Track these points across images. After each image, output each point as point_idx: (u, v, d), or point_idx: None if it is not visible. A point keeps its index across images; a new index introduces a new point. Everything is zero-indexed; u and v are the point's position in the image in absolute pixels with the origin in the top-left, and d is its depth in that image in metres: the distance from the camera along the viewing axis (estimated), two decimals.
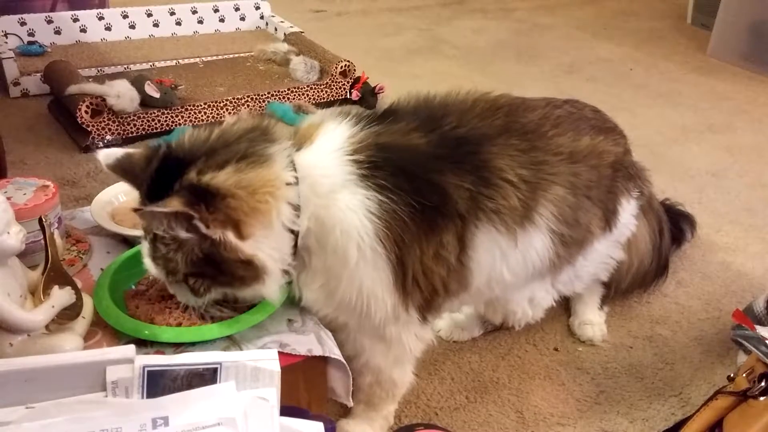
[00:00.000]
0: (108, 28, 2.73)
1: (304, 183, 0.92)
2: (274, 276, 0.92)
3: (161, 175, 0.89)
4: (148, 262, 0.94)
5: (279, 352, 0.89)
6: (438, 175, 0.97)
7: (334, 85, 2.38)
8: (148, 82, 2.12)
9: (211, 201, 0.85)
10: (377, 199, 0.92)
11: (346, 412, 1.16)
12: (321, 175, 0.93)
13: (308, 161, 0.94)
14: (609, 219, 1.20)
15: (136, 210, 0.87)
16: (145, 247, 0.93)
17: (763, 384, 1.02)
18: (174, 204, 0.84)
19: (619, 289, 1.44)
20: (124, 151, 0.96)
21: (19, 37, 2.58)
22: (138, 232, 1.14)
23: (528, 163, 1.05)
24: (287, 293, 1.01)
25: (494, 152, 1.03)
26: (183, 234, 0.86)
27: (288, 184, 0.91)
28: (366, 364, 1.08)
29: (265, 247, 0.90)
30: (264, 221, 0.89)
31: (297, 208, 0.91)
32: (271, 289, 0.94)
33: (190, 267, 0.90)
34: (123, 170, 0.94)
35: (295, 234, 0.93)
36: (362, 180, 0.93)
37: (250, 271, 0.90)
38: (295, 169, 0.92)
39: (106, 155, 0.94)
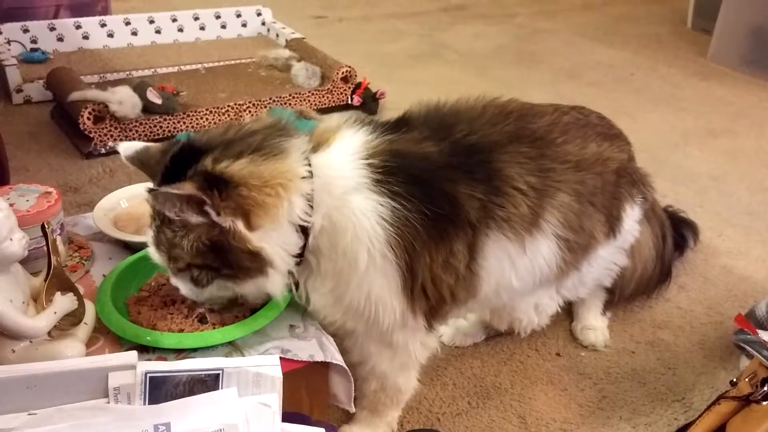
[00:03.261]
0: (110, 35, 2.74)
1: (319, 182, 0.92)
2: (280, 271, 0.92)
3: (176, 163, 0.90)
4: (152, 250, 0.94)
5: (281, 358, 0.89)
6: (450, 184, 0.97)
7: (335, 91, 2.38)
8: (150, 88, 2.13)
9: (223, 188, 0.86)
10: (390, 205, 0.92)
11: (348, 417, 1.16)
12: (336, 176, 0.93)
13: (324, 162, 0.94)
14: (613, 225, 1.20)
15: (150, 190, 0.86)
16: (150, 235, 0.93)
17: (765, 388, 1.02)
18: (187, 187, 0.84)
19: (622, 295, 1.43)
20: (143, 144, 0.97)
21: (21, 44, 2.58)
22: (140, 238, 1.15)
23: (536, 170, 1.05)
24: (290, 297, 1.01)
25: (505, 160, 1.03)
26: (194, 219, 0.87)
27: (302, 178, 0.91)
28: (372, 370, 1.08)
29: (274, 240, 0.90)
30: (274, 214, 0.89)
31: (311, 200, 0.91)
32: (276, 284, 0.93)
33: (196, 255, 0.89)
34: (140, 162, 0.96)
35: (306, 232, 0.92)
36: (376, 185, 0.93)
37: (256, 263, 0.90)
38: (309, 164, 0.93)
39: (126, 147, 0.96)
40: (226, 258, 0.89)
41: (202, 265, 0.91)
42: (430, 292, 0.99)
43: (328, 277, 0.97)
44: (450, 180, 0.97)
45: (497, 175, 1.01)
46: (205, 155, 0.89)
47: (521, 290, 1.14)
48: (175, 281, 0.96)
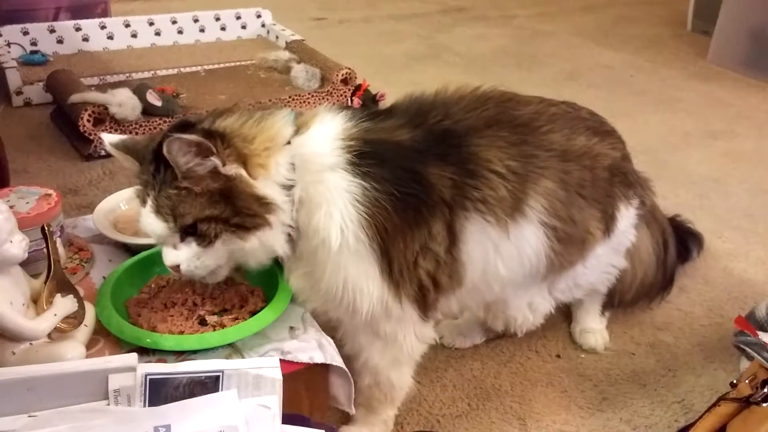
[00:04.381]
0: (110, 37, 2.74)
1: (299, 159, 0.96)
2: (284, 217, 0.94)
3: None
4: (150, 220, 0.93)
5: (280, 360, 0.89)
6: (419, 165, 0.99)
7: (335, 93, 2.39)
8: (150, 90, 2.13)
9: (222, 140, 0.91)
10: (361, 186, 0.94)
11: (347, 419, 1.16)
12: (314, 153, 0.97)
13: (303, 141, 0.98)
14: (608, 222, 1.19)
15: (165, 137, 0.88)
16: (148, 204, 0.93)
17: (765, 390, 1.02)
18: (191, 135, 0.87)
19: (623, 301, 1.43)
20: (128, 136, 1.01)
21: (21, 46, 2.59)
22: (140, 240, 1.15)
23: (517, 155, 1.06)
24: (290, 297, 1.01)
25: (481, 144, 1.04)
26: (201, 169, 0.89)
27: (286, 143, 0.96)
28: (365, 364, 1.09)
29: (275, 189, 0.94)
30: (267, 163, 0.93)
31: (293, 165, 0.95)
32: (279, 237, 0.95)
33: (205, 206, 0.91)
34: (126, 148, 0.99)
35: (291, 198, 0.95)
36: (350, 165, 0.95)
37: (263, 207, 0.92)
38: (293, 131, 0.98)
39: (110, 137, 1.00)
40: (235, 205, 0.91)
41: (211, 216, 0.91)
42: (408, 277, 1.00)
43: (304, 259, 0.99)
44: (419, 162, 0.99)
45: (472, 159, 1.03)
46: (196, 125, 0.95)
47: (511, 280, 1.13)
48: (174, 256, 0.94)
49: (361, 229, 0.94)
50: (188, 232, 0.93)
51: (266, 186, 0.93)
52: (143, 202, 0.95)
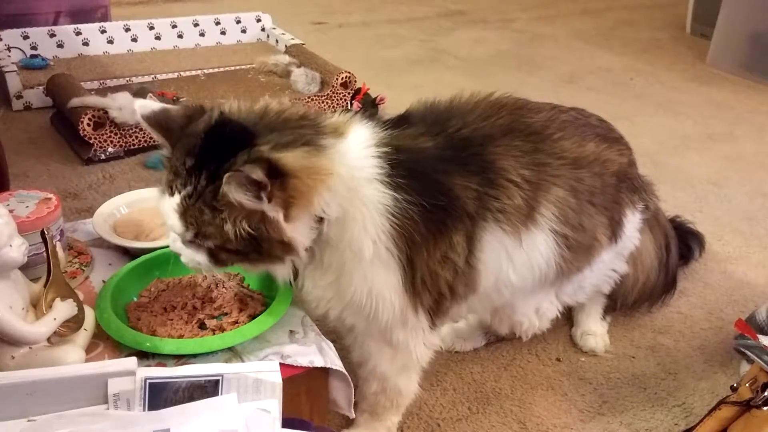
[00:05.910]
0: (110, 41, 2.75)
1: (338, 178, 0.92)
2: (296, 257, 0.93)
3: (216, 139, 0.89)
4: (172, 215, 0.89)
5: (280, 364, 0.89)
6: (445, 176, 0.99)
7: (334, 97, 2.39)
8: (150, 94, 2.13)
9: (279, 179, 0.85)
10: (394, 197, 0.93)
11: (348, 423, 1.16)
12: (354, 167, 0.94)
13: (344, 152, 0.94)
14: (615, 229, 1.20)
15: (230, 176, 0.82)
16: (175, 201, 0.88)
17: (766, 394, 1.02)
18: (259, 173, 0.82)
19: (625, 304, 1.43)
20: (162, 105, 0.95)
21: (21, 50, 2.59)
22: (140, 244, 1.15)
23: (530, 164, 1.06)
24: (290, 301, 1.01)
25: (498, 153, 1.04)
26: (249, 204, 0.85)
27: (334, 174, 0.91)
28: (372, 370, 1.08)
29: (300, 231, 0.90)
30: (311, 207, 0.89)
31: (334, 195, 0.91)
32: (286, 270, 0.96)
33: (231, 240, 0.88)
34: (158, 123, 0.92)
35: (321, 222, 0.93)
36: (385, 177, 0.94)
37: (285, 251, 0.91)
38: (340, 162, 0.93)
39: (143, 105, 0.93)
40: (260, 245, 0.89)
41: (233, 249, 0.89)
42: (429, 287, 1.00)
43: (330, 270, 0.97)
44: (445, 172, 0.99)
45: (491, 167, 1.03)
46: (255, 138, 0.88)
47: (521, 287, 1.13)
48: (178, 247, 0.93)
49: (392, 241, 0.94)
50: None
51: (295, 229, 0.89)
52: (170, 191, 0.89)
